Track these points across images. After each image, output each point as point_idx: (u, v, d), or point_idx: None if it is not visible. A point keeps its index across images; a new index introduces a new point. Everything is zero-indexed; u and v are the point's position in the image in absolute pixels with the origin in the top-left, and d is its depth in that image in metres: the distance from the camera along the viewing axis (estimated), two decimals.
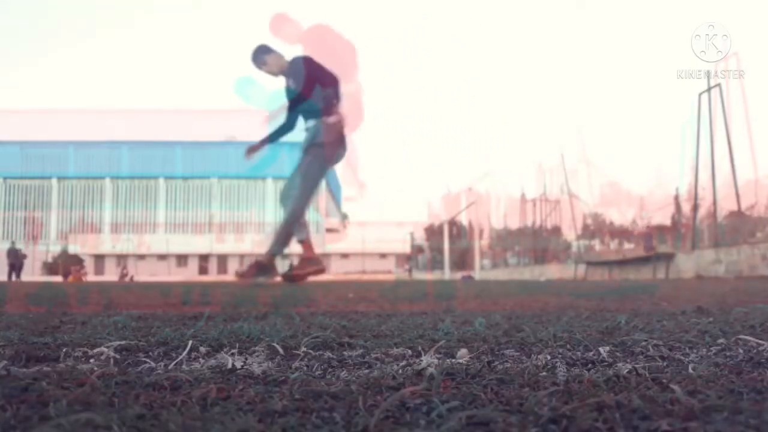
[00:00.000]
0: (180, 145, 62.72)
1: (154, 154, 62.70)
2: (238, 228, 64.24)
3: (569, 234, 40.28)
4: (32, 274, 37.74)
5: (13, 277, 24.68)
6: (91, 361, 1.34)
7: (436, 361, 1.27)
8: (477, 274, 40.74)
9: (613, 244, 39.97)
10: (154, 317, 2.58)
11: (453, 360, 1.31)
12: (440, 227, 54.22)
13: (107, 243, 58.54)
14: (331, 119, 6.68)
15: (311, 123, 6.96)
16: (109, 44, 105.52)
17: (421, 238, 68.75)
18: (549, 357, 1.36)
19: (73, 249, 54.53)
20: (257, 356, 1.41)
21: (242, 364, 1.27)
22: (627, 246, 35.45)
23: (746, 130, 21.99)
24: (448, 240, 47.65)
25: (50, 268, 49.99)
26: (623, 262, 25.26)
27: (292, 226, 6.94)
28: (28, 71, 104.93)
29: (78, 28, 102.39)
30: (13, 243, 28.08)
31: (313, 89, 6.65)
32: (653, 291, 5.52)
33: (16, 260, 25.55)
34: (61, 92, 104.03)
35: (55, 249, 56.46)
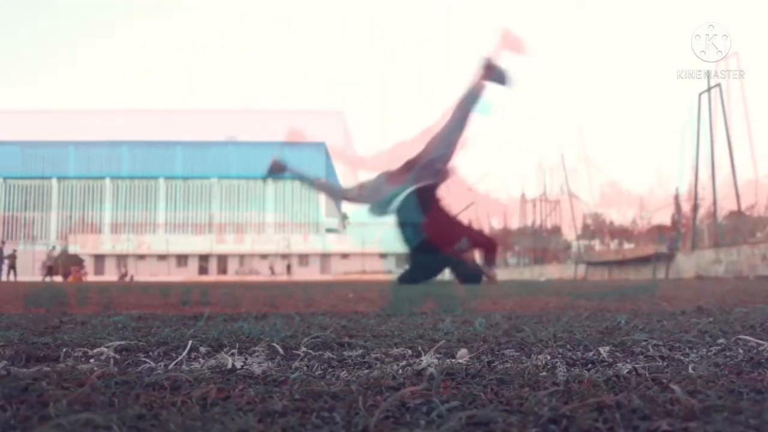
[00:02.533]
0: (180, 145, 62.81)
1: (154, 154, 62.80)
2: (238, 228, 64.26)
3: (569, 234, 40.28)
4: (32, 274, 37.71)
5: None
6: (91, 361, 1.34)
7: (436, 361, 1.27)
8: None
9: (613, 244, 39.96)
10: (154, 317, 2.58)
11: (453, 360, 1.31)
12: None
13: (107, 243, 58.55)
14: None
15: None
16: (110, 45, 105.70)
17: None
18: (549, 357, 1.36)
19: (73, 249, 54.53)
20: (257, 356, 1.41)
21: (242, 364, 1.27)
22: (627, 246, 35.44)
23: (746, 130, 21.92)
24: None
25: (50, 268, 49.96)
26: (623, 262, 25.25)
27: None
28: (28, 72, 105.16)
29: (79, 29, 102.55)
30: (2, 243, 28.07)
31: None
32: (653, 291, 5.52)
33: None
34: (61, 93, 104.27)
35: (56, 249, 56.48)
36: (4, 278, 24.12)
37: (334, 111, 67.87)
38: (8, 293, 6.39)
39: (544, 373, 1.12)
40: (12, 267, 25.50)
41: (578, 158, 39.35)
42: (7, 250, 26.82)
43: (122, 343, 1.56)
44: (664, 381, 1.00)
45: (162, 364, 1.30)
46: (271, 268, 51.05)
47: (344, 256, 60.89)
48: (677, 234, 26.04)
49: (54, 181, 63.11)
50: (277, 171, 9.22)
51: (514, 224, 47.56)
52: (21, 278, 24.90)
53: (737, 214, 22.42)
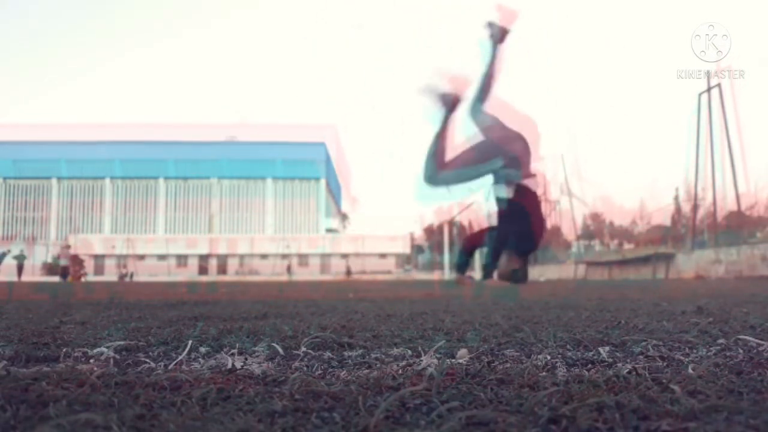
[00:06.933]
0: (180, 146, 62.88)
1: (155, 154, 62.84)
2: (238, 228, 64.31)
3: (569, 234, 40.33)
4: (32, 274, 37.68)
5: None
6: (91, 361, 1.34)
7: (436, 361, 1.27)
8: (477, 275, 40.69)
9: (613, 244, 39.99)
10: (154, 317, 2.58)
11: (453, 360, 1.31)
12: (440, 228, 54.30)
13: (107, 243, 58.56)
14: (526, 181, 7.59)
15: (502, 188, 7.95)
16: (111, 57, 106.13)
17: (421, 238, 68.78)
18: (549, 357, 1.36)
19: (72, 249, 54.56)
20: (257, 356, 1.41)
21: (242, 364, 1.27)
22: (627, 246, 35.47)
23: (739, 141, 21.58)
24: (448, 240, 47.63)
25: (50, 268, 49.99)
26: (623, 262, 25.26)
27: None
28: (29, 79, 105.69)
29: (81, 43, 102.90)
30: (8, 250, 28.13)
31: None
32: (654, 288, 5.52)
33: None
34: (63, 103, 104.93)
35: (56, 249, 56.53)
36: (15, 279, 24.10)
37: (326, 125, 68.18)
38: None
39: (544, 373, 1.12)
40: (20, 268, 25.53)
41: (572, 170, 39.45)
42: (14, 251, 26.89)
43: (122, 343, 1.56)
44: (664, 381, 1.00)
45: (162, 364, 1.30)
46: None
47: (344, 256, 60.96)
48: (684, 233, 26.03)
49: (54, 181, 63.16)
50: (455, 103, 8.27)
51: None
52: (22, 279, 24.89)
53: (737, 214, 22.41)
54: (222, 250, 59.38)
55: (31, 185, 63.04)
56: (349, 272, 50.93)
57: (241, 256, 59.84)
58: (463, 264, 8.78)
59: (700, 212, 25.21)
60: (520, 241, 7.85)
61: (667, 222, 35.41)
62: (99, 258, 56.77)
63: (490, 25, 7.77)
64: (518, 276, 7.98)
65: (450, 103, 7.69)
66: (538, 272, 33.25)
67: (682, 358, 1.33)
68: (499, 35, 7.62)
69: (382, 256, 62.17)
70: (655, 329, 1.91)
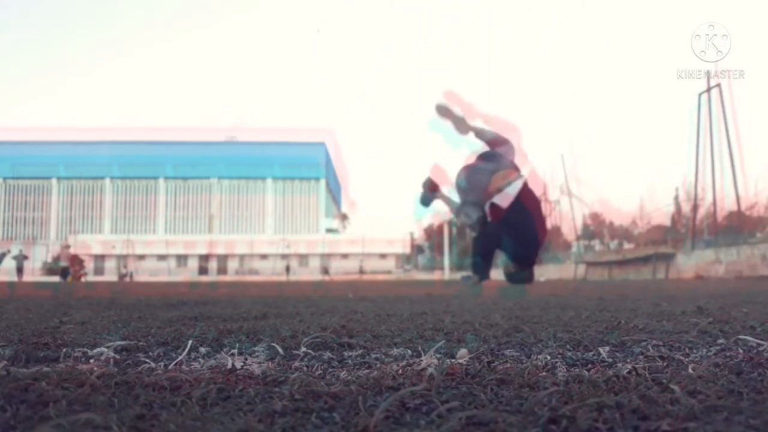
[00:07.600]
0: (180, 146, 62.90)
1: (155, 154, 62.86)
2: (238, 228, 64.33)
3: (569, 234, 40.34)
4: (31, 275, 37.68)
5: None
6: (91, 361, 1.34)
7: (436, 361, 1.27)
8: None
9: (613, 244, 40.01)
10: (154, 317, 2.58)
11: (453, 360, 1.31)
12: (439, 228, 54.32)
13: (106, 244, 58.55)
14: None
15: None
16: (111, 59, 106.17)
17: (421, 238, 68.85)
18: (549, 357, 1.36)
19: (72, 249, 54.59)
20: (257, 356, 1.41)
21: (242, 364, 1.27)
22: (627, 246, 35.48)
23: (738, 141, 21.43)
24: (448, 240, 47.65)
25: (50, 269, 50.03)
26: (623, 262, 25.25)
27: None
28: (29, 80, 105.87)
29: (81, 49, 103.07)
30: (8, 250, 28.07)
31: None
32: (654, 288, 5.51)
33: None
34: (65, 102, 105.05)
35: (55, 249, 56.56)
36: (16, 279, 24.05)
37: (325, 128, 68.40)
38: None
39: (544, 373, 1.12)
40: (20, 269, 25.46)
41: (571, 171, 39.47)
42: (14, 251, 26.88)
43: (122, 343, 1.56)
44: (664, 381, 1.00)
45: (162, 364, 1.30)
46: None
47: (344, 256, 60.96)
48: (684, 233, 26.05)
49: (54, 182, 63.18)
50: (433, 190, 8.84)
51: None
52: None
53: (737, 214, 22.41)
54: (222, 250, 59.40)
55: (30, 185, 63.07)
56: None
57: (241, 257, 59.87)
58: (484, 266, 8.78)
59: (700, 212, 25.22)
60: (518, 248, 7.90)
61: (667, 222, 35.45)
62: (99, 258, 56.78)
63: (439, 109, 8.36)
64: (523, 277, 8.04)
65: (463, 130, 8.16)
66: (538, 272, 33.24)
67: (682, 358, 1.33)
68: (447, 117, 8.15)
69: (382, 256, 62.18)
70: (655, 329, 1.91)
